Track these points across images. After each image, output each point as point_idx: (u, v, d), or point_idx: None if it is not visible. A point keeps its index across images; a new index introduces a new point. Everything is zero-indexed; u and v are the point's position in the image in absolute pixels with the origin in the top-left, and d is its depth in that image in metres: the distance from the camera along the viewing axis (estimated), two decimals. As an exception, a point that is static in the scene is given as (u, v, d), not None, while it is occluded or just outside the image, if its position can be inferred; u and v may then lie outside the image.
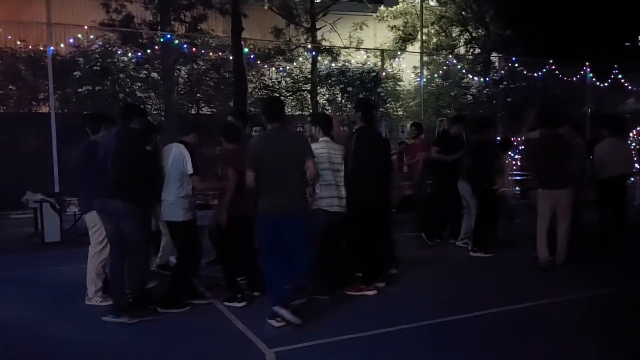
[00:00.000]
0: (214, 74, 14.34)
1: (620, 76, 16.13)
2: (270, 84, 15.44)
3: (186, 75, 14.28)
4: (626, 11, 16.88)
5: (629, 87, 17.00)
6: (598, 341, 4.01)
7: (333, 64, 15.88)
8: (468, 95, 16.73)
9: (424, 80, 16.04)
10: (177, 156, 4.91)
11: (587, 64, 15.74)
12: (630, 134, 16.92)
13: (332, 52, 16.30)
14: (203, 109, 14.61)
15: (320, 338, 4.11)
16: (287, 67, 15.48)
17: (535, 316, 4.69)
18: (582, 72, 15.65)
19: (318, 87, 15.69)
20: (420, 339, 4.14)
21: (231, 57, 12.01)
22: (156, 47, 13.26)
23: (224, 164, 5.18)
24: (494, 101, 16.11)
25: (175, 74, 13.73)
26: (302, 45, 16.06)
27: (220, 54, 14.06)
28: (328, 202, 5.16)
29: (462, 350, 3.91)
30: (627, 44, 19.25)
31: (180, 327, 4.50)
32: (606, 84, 16.32)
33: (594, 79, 16.02)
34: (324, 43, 16.38)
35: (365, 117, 5.58)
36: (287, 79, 15.78)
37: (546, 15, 15.48)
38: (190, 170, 4.86)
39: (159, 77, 13.36)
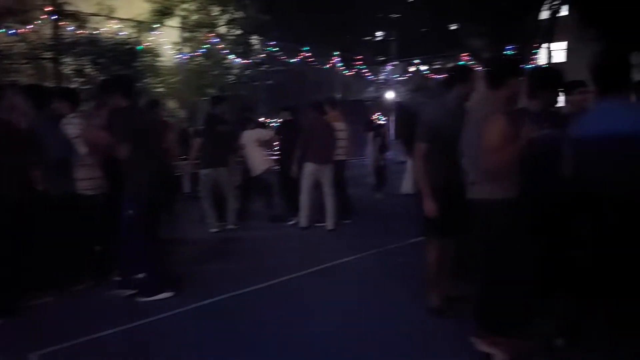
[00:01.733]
0: None
1: (363, 67, 18.00)
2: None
3: None
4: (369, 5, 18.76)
5: (369, 77, 19.19)
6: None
7: (79, 32, 14.06)
8: (230, 76, 16.67)
9: (185, 57, 15.40)
10: None
11: (337, 53, 17.09)
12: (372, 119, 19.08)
13: (77, 19, 14.42)
14: None
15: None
16: (19, 30, 13.09)
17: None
18: (332, 61, 16.94)
19: (62, 56, 13.72)
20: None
21: None
22: None
23: None
24: (256, 83, 16.37)
25: None
26: (39, 7, 13.79)
27: None
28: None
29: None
30: (368, 38, 21.55)
31: None
32: (351, 73, 18.01)
33: (342, 68, 17.53)
34: (69, 8, 14.38)
35: (125, 94, 4.42)
36: (21, 43, 13.40)
37: (302, 3, 16.26)
38: None
39: None
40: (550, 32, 17.32)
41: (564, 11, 18.11)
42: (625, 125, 2.72)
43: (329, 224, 7.24)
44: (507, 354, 3.11)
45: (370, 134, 11.51)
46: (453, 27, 18.54)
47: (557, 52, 19.24)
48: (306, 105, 7.78)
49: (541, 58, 18.16)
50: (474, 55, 18.10)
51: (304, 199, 7.25)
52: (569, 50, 20.20)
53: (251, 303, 4.38)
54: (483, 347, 3.19)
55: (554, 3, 17.15)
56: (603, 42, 15.15)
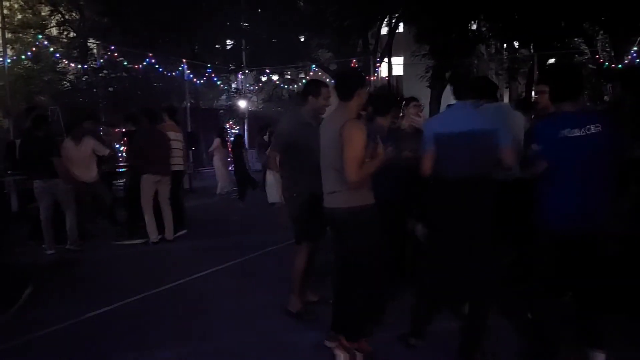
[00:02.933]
0: None
1: (213, 75, 17.58)
2: None
3: None
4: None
5: (222, 86, 18.85)
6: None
7: None
8: (65, 82, 15.13)
9: (9, 61, 13.57)
10: None
11: (184, 60, 16.45)
12: (226, 127, 18.78)
13: None
14: None
15: None
16: None
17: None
18: (180, 68, 16.27)
19: None
20: None
21: None
22: None
23: None
24: (95, 90, 15.07)
25: None
26: None
27: None
28: None
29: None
30: (217, 46, 21.09)
31: None
32: (202, 81, 17.50)
33: (191, 76, 16.93)
34: None
35: None
36: None
37: (144, 7, 15.36)
38: None
39: None
40: (389, 47, 18.66)
41: (400, 28, 19.73)
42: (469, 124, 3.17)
43: (168, 234, 7.10)
44: (351, 356, 3.25)
45: (217, 141, 11.27)
46: (301, 38, 19.05)
47: (396, 65, 20.76)
48: (140, 114, 7.37)
49: (383, 71, 19.48)
50: (322, 66, 18.79)
51: (149, 213, 6.92)
52: (405, 65, 21.97)
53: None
54: (333, 348, 3.32)
55: (393, 20, 18.52)
56: (433, 57, 16.78)
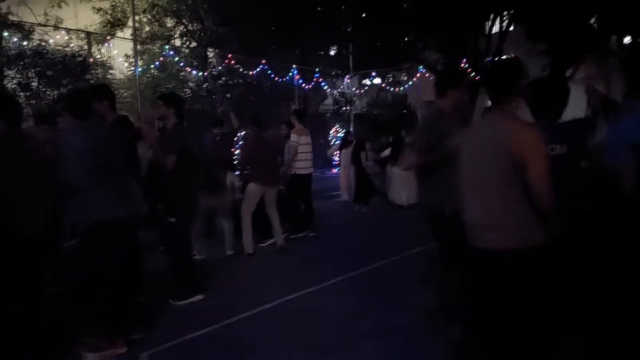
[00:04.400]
0: None
1: (321, 80, 17.96)
2: None
3: None
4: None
5: (328, 90, 19.20)
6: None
7: (25, 43, 13.17)
8: (187, 89, 16.16)
9: (140, 70, 14.76)
10: None
11: (294, 65, 16.95)
12: (331, 132, 19.08)
13: (22, 29, 13.54)
14: None
15: None
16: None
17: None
18: (290, 74, 16.78)
19: (5, 69, 12.81)
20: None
21: None
22: None
23: None
24: (214, 96, 15.94)
25: None
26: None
27: None
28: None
29: None
30: (321, 52, 21.53)
31: None
32: (309, 86, 17.94)
33: (300, 81, 17.41)
34: (12, 18, 13.50)
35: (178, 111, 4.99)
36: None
37: (257, 15, 16.02)
38: None
39: None
40: (500, 46, 17.97)
41: (512, 27, 18.89)
42: None
43: (278, 239, 7.04)
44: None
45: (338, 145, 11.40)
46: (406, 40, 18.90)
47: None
48: (249, 120, 7.43)
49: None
50: (429, 67, 18.51)
51: (248, 222, 6.80)
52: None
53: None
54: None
55: (503, 19, 17.83)
56: (549, 56, 15.96)
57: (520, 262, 2.28)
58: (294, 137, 7.62)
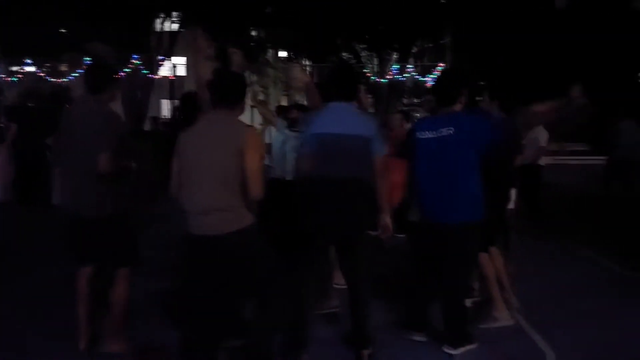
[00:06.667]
0: None
1: None
2: None
3: None
4: None
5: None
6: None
7: None
8: None
9: None
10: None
11: None
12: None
13: None
14: None
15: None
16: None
17: None
18: None
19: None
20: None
21: None
22: None
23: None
24: None
25: None
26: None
27: None
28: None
29: None
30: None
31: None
32: None
33: None
34: None
35: None
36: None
37: None
38: None
39: None
40: (171, 46, 17.86)
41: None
42: None
43: None
44: None
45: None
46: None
47: (180, 66, 20.22)
48: None
49: (166, 70, 18.77)
50: (98, 60, 16.86)
51: None
52: (188, 66, 21.40)
53: None
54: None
55: (173, 20, 17.77)
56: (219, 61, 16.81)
57: (240, 240, 2.71)
58: None
